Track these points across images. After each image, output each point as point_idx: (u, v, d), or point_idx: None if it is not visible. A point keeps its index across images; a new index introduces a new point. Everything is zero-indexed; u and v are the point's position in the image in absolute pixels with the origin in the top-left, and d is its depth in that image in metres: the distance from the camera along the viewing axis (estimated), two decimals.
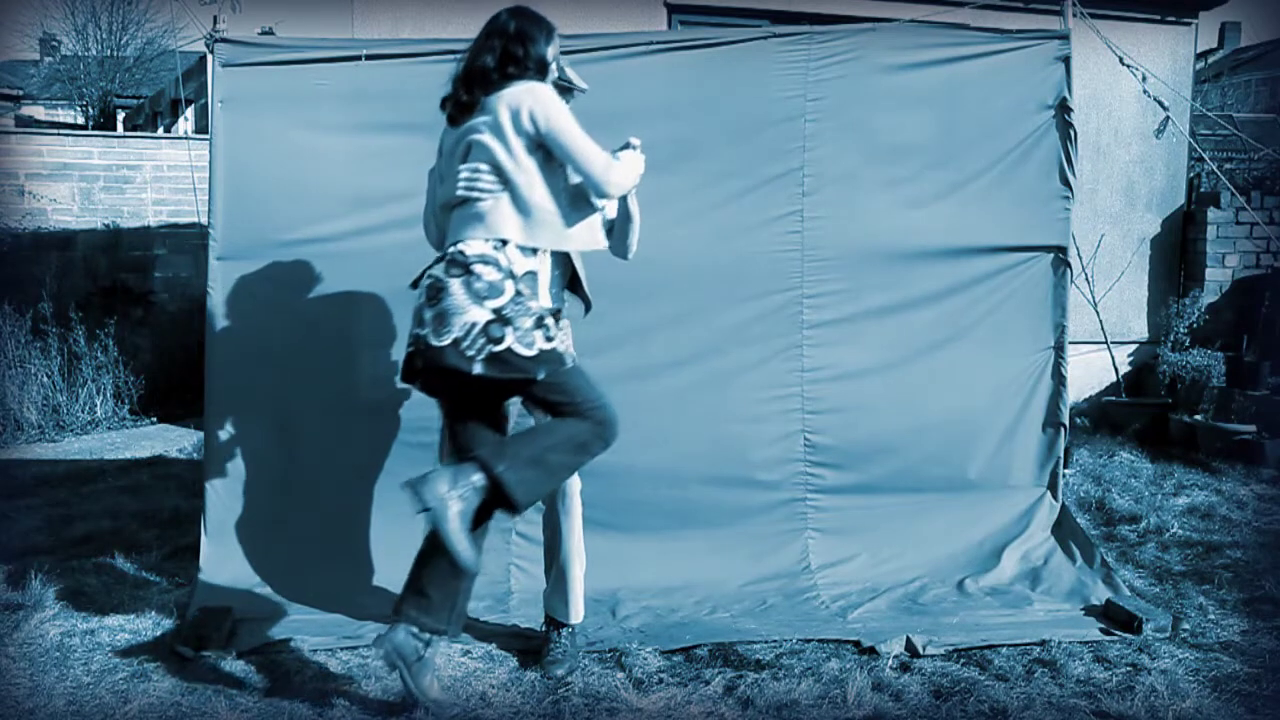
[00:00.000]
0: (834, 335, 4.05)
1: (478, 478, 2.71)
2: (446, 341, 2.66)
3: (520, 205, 2.80)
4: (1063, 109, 4.14)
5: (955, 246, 4.13)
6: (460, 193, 2.82)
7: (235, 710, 2.85)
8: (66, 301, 6.89)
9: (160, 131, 15.20)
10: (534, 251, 2.82)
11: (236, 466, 3.80)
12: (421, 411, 3.69)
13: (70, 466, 5.55)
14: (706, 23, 6.27)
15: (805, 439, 4.04)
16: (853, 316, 4.06)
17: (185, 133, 12.43)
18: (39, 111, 20.21)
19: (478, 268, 2.70)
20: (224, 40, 3.78)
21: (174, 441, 6.18)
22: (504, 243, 2.76)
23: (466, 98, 2.87)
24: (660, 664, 3.19)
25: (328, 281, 3.82)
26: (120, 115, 18.39)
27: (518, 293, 2.71)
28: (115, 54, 18.84)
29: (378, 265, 3.80)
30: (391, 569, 3.69)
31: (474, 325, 2.66)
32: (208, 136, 3.86)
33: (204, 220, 4.27)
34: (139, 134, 11.71)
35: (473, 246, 2.74)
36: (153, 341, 7.23)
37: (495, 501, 2.75)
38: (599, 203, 2.95)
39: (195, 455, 5.66)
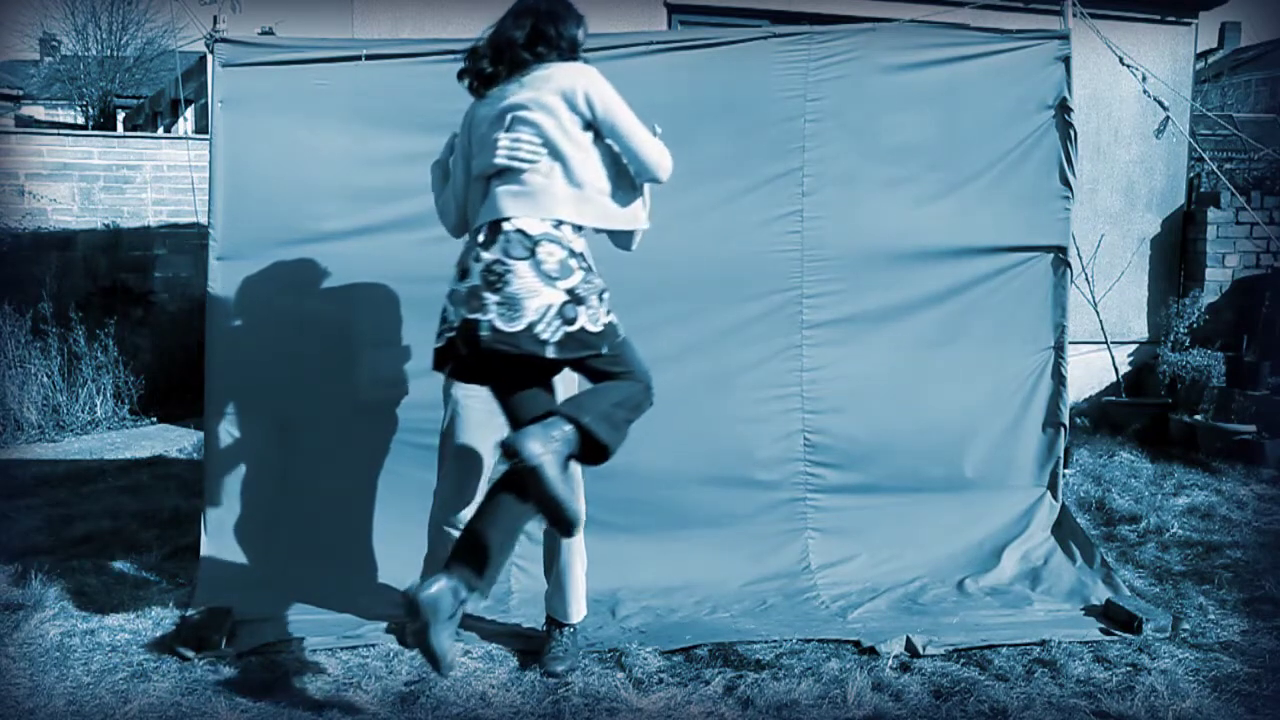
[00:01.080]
0: (834, 335, 4.05)
1: (567, 428, 2.64)
2: (520, 326, 2.58)
3: (573, 182, 2.75)
4: (1063, 109, 4.14)
5: (955, 246, 4.13)
6: (501, 161, 2.73)
7: (235, 710, 2.85)
8: (66, 301, 6.88)
9: (160, 131, 15.20)
10: (580, 229, 2.77)
11: (236, 466, 3.80)
12: (421, 412, 3.70)
13: (70, 466, 5.55)
14: (706, 23, 6.27)
15: (805, 439, 4.04)
16: (852, 316, 4.06)
17: (185, 133, 12.43)
18: (39, 111, 20.21)
19: (544, 248, 2.63)
20: (224, 40, 3.78)
21: (174, 441, 6.18)
22: (560, 223, 2.70)
23: (491, 69, 2.83)
24: (660, 664, 3.19)
25: (328, 281, 3.82)
26: (120, 115, 18.39)
27: (586, 269, 2.68)
28: (115, 54, 18.84)
29: (378, 265, 3.80)
30: (392, 569, 3.70)
31: (549, 307, 2.59)
32: (208, 136, 3.86)
33: (203, 220, 4.27)
34: (139, 134, 11.71)
35: (532, 226, 2.65)
36: (153, 341, 7.23)
37: (583, 454, 2.70)
38: (641, 186, 2.94)
39: (195, 455, 5.66)
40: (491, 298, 2.60)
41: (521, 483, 2.61)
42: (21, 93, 15.67)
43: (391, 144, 3.82)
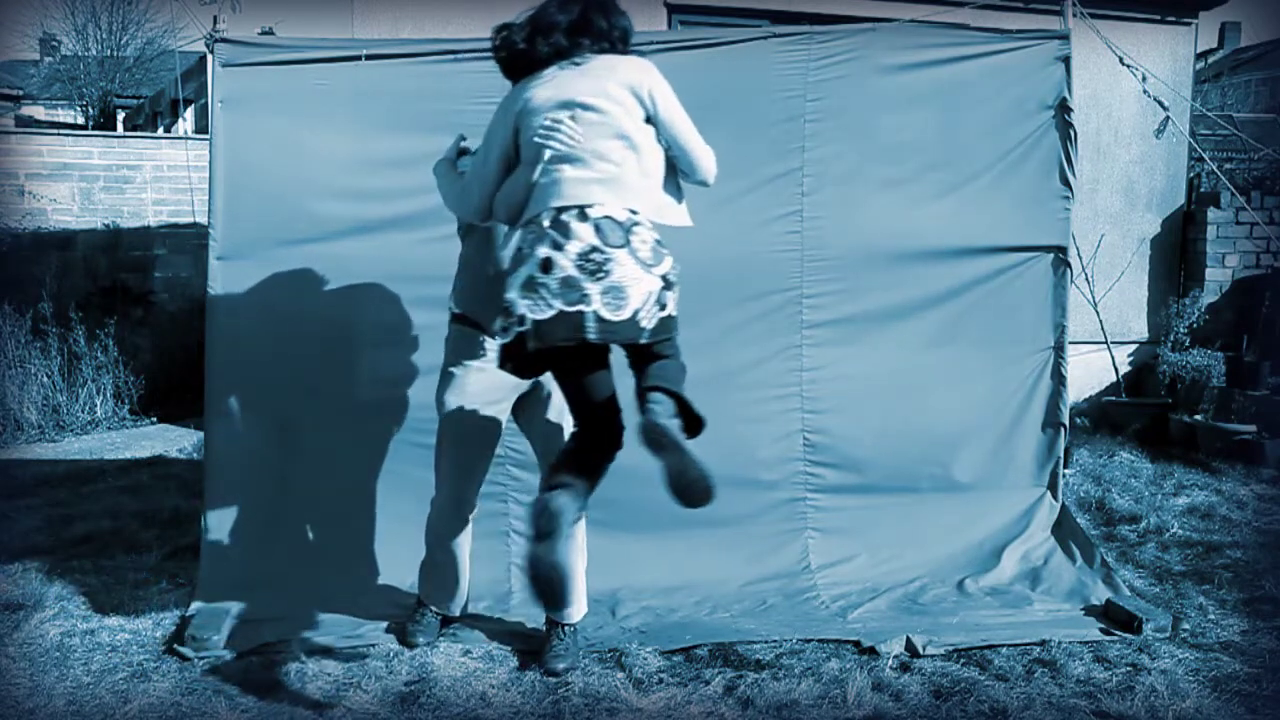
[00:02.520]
0: (834, 335, 4.05)
1: (670, 402, 2.68)
2: (626, 315, 2.55)
3: (644, 173, 2.74)
4: (1063, 109, 4.14)
5: (955, 247, 4.13)
6: (570, 148, 2.67)
7: (235, 710, 2.85)
8: (66, 301, 6.88)
9: (160, 131, 15.20)
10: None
11: (236, 466, 3.79)
12: (422, 412, 3.69)
13: (70, 466, 5.55)
14: (706, 23, 6.27)
15: (805, 439, 4.04)
16: (852, 316, 4.06)
17: (185, 133, 12.42)
18: (39, 111, 20.21)
19: (636, 235, 2.61)
20: (224, 40, 3.78)
21: (174, 441, 6.18)
22: (637, 210, 2.68)
23: (524, 45, 2.78)
24: (660, 664, 3.19)
25: (328, 281, 3.82)
26: (120, 115, 18.39)
27: (669, 254, 2.68)
28: (115, 54, 18.84)
29: (378, 265, 3.80)
30: (391, 568, 3.70)
31: (650, 294, 2.59)
32: (207, 136, 3.86)
33: (202, 220, 4.26)
34: (139, 134, 11.72)
35: (618, 213, 2.62)
36: (153, 341, 7.22)
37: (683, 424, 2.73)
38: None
39: (195, 455, 5.66)
40: (594, 287, 2.54)
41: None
42: (21, 93, 15.66)
43: (391, 144, 3.82)
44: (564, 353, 2.63)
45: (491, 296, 3.14)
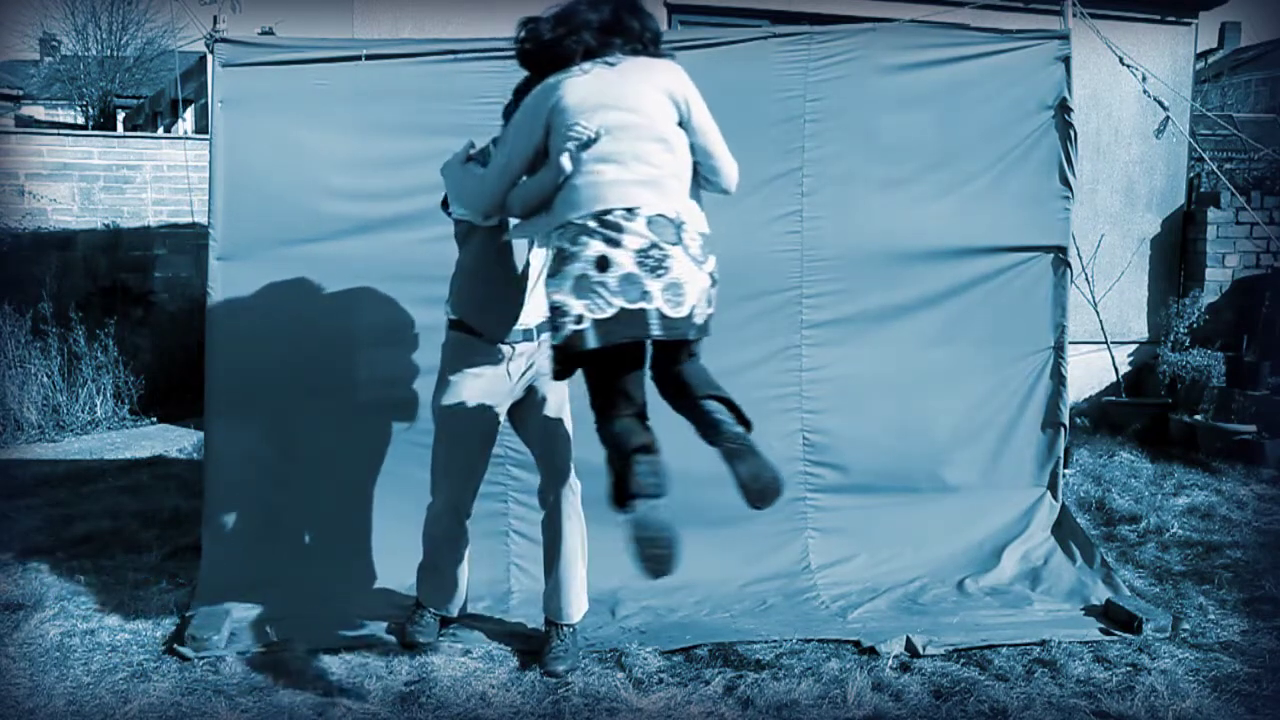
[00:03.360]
0: (833, 335, 4.05)
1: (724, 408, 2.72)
2: (685, 312, 2.57)
3: (679, 177, 2.75)
4: (1063, 109, 4.14)
5: (955, 246, 4.13)
6: (580, 140, 2.66)
7: (235, 710, 2.85)
8: (66, 301, 6.88)
9: (160, 131, 15.20)
10: None
11: (236, 466, 3.79)
12: (422, 411, 3.70)
13: (70, 466, 5.55)
14: (706, 23, 6.27)
15: (805, 439, 4.04)
16: (852, 316, 4.06)
17: (185, 133, 12.42)
18: (39, 111, 20.21)
19: (687, 233, 2.63)
20: (224, 40, 3.78)
21: (174, 441, 6.18)
22: (680, 211, 2.69)
23: (552, 39, 2.75)
24: (660, 664, 3.19)
25: (328, 281, 3.82)
26: (120, 115, 18.39)
27: (712, 255, 2.69)
28: (115, 54, 18.83)
29: (378, 265, 3.80)
30: (391, 568, 3.70)
31: (703, 291, 2.62)
32: (207, 136, 3.85)
33: (201, 220, 4.26)
34: (139, 134, 11.72)
35: (668, 211, 2.63)
36: (153, 341, 7.22)
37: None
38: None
39: (195, 455, 5.66)
40: (655, 284, 2.54)
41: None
42: (21, 93, 15.67)
43: (391, 144, 3.82)
44: (615, 351, 2.62)
45: (489, 303, 3.15)
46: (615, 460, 2.71)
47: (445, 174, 3.12)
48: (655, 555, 2.61)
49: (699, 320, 2.62)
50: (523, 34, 2.83)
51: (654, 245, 2.56)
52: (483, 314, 3.15)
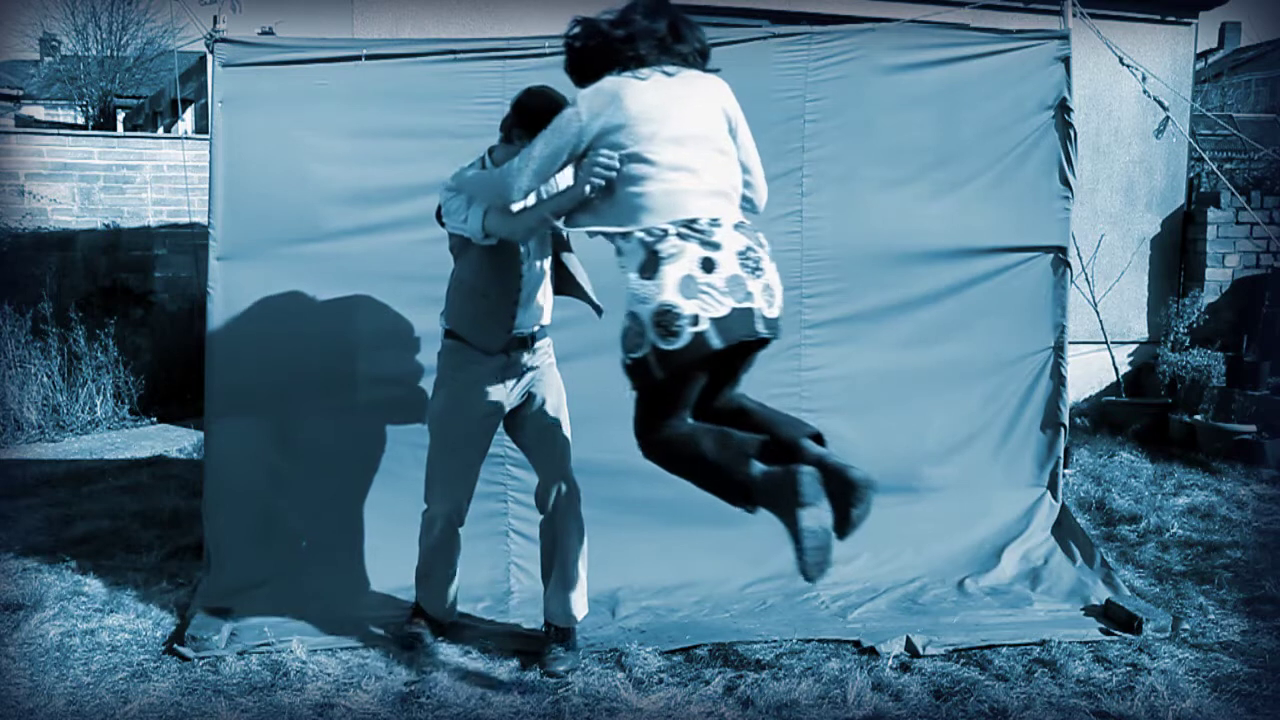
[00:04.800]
0: (833, 335, 4.05)
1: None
2: (778, 312, 2.67)
3: (736, 189, 2.82)
4: (1062, 109, 4.14)
5: (955, 246, 4.13)
6: (650, 150, 2.67)
7: (235, 710, 2.85)
8: (66, 301, 6.88)
9: (160, 131, 15.20)
10: None
11: (236, 466, 3.79)
12: (421, 413, 3.69)
13: (70, 466, 5.55)
14: (706, 23, 6.22)
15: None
16: (852, 316, 4.06)
17: (185, 133, 12.42)
18: (39, 111, 20.20)
19: (762, 237, 2.71)
20: (224, 40, 3.78)
21: (174, 441, 6.18)
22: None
23: (617, 44, 2.74)
24: (660, 664, 3.19)
25: (327, 281, 3.82)
26: (120, 115, 18.38)
27: None
28: (115, 54, 18.82)
29: (378, 265, 3.80)
30: (391, 568, 3.70)
31: (782, 293, 2.71)
32: (207, 136, 3.85)
33: (200, 220, 4.26)
34: (139, 134, 11.71)
35: (743, 220, 2.73)
36: (153, 341, 7.22)
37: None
38: None
39: (195, 455, 5.66)
40: (755, 285, 2.61)
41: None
42: (21, 93, 15.65)
43: (391, 144, 3.82)
44: (716, 357, 2.63)
45: (481, 316, 3.15)
46: (765, 479, 2.66)
47: (459, 178, 3.06)
48: (819, 561, 2.63)
49: (781, 322, 2.71)
50: (580, 31, 2.82)
51: (750, 248, 2.64)
52: (475, 327, 3.16)
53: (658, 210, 2.65)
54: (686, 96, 2.74)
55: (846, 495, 2.66)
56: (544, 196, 3.03)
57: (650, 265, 2.60)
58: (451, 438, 3.18)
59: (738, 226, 2.67)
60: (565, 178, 2.95)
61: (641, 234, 2.63)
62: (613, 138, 2.70)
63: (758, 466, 2.66)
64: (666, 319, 2.55)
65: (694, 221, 2.62)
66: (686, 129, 2.71)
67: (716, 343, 2.57)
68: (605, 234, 2.76)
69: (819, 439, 2.75)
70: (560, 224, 2.94)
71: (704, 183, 2.69)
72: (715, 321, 2.56)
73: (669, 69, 2.76)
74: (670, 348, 2.56)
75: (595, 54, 2.79)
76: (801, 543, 2.62)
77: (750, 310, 2.60)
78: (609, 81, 2.75)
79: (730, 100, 2.84)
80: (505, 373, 3.18)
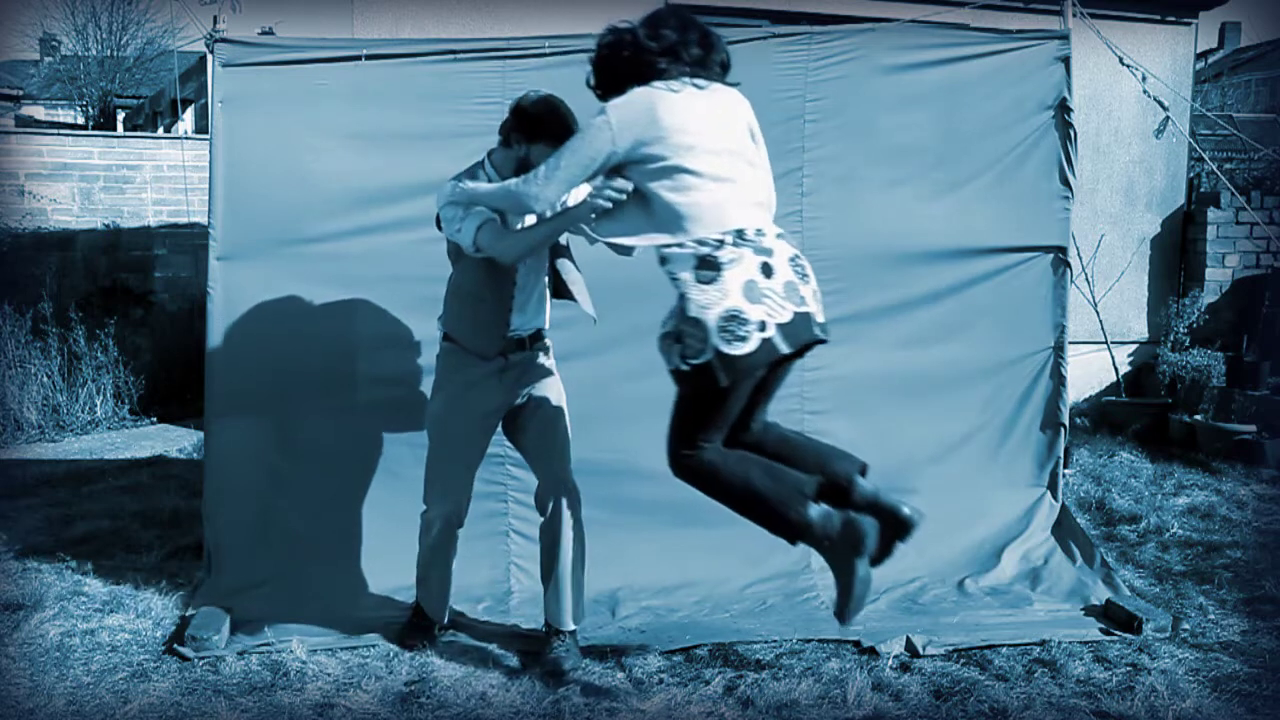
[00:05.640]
0: (833, 335, 4.01)
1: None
2: (823, 318, 2.73)
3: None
4: (1062, 109, 4.14)
5: (955, 247, 4.13)
6: (697, 162, 2.68)
7: (235, 710, 2.85)
8: (66, 301, 6.88)
9: (160, 131, 15.20)
10: None
11: (236, 466, 3.79)
12: (422, 413, 3.69)
13: (70, 466, 5.55)
14: (707, 23, 6.25)
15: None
16: (852, 316, 4.05)
17: (185, 133, 12.42)
18: (39, 111, 20.21)
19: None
20: (224, 40, 3.78)
21: (174, 441, 6.18)
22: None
23: (652, 47, 2.73)
24: (660, 664, 3.19)
25: (328, 281, 3.82)
26: (120, 115, 18.39)
27: None
28: (115, 54, 18.83)
29: (378, 265, 3.80)
30: (391, 568, 3.70)
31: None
32: (207, 136, 3.85)
33: (199, 220, 4.26)
34: (139, 134, 11.71)
35: (778, 230, 2.75)
36: (153, 341, 7.22)
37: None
38: None
39: (195, 455, 5.66)
40: (806, 290, 2.67)
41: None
42: (21, 93, 15.65)
43: (391, 144, 3.82)
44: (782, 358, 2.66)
45: (477, 322, 3.15)
46: (823, 527, 2.72)
47: (478, 194, 2.98)
48: (861, 606, 2.75)
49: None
50: (616, 40, 2.78)
51: (796, 255, 2.70)
52: (471, 331, 3.16)
53: (704, 221, 2.66)
54: (717, 110, 2.75)
55: (895, 531, 2.75)
56: (546, 215, 3.02)
57: (710, 271, 2.61)
58: (449, 440, 3.18)
59: (780, 236, 2.71)
60: (575, 194, 2.94)
61: (694, 244, 2.64)
62: (648, 149, 2.67)
63: (815, 511, 2.69)
64: (733, 324, 2.57)
65: (742, 231, 2.65)
66: (722, 142, 2.72)
67: (784, 347, 2.61)
68: (654, 246, 2.75)
69: (864, 471, 2.80)
70: (591, 232, 2.86)
71: (745, 193, 2.72)
72: (780, 327, 2.59)
73: (699, 82, 2.75)
74: (737, 353, 2.57)
75: (626, 65, 2.76)
76: (852, 590, 2.69)
77: (808, 314, 2.66)
78: (641, 93, 2.72)
79: (751, 114, 2.85)
80: (503, 375, 3.18)
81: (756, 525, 2.81)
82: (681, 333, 2.61)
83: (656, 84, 2.72)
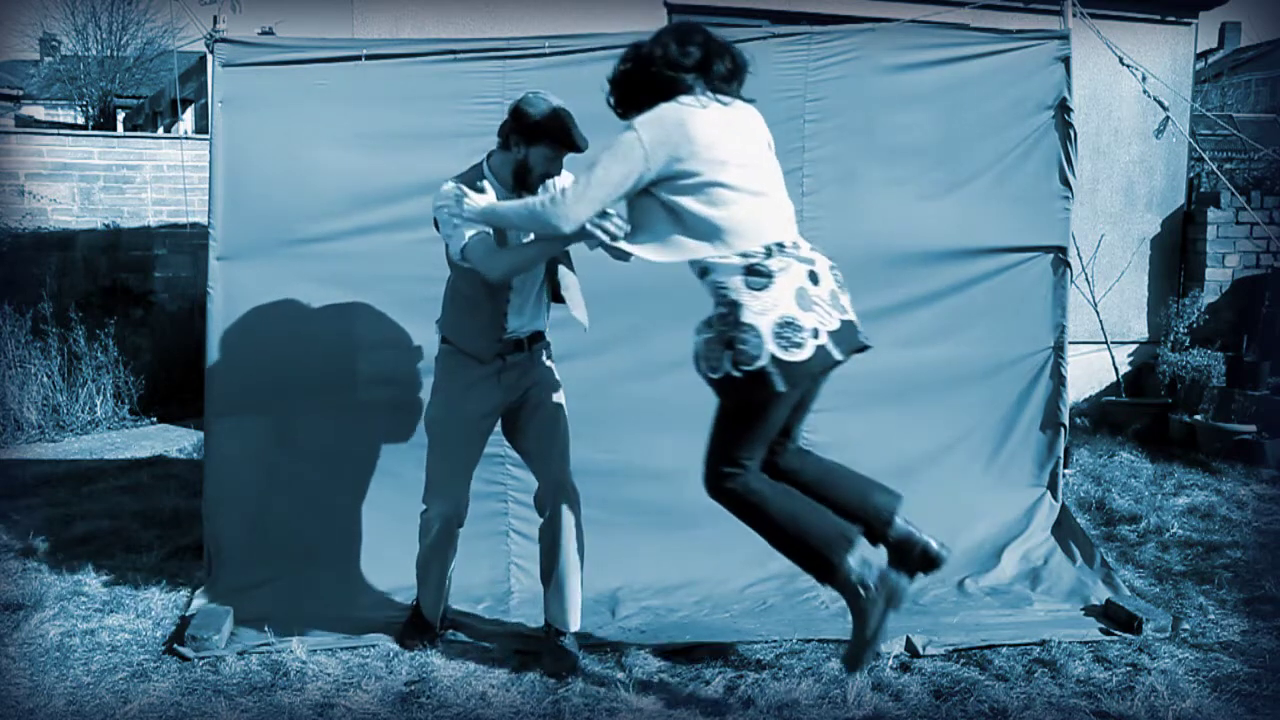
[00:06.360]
0: None
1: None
2: (859, 326, 2.75)
3: None
4: (1062, 109, 4.14)
5: (955, 247, 4.13)
6: (738, 179, 2.69)
7: (235, 710, 2.85)
8: (66, 301, 6.88)
9: (160, 131, 15.20)
10: None
11: (236, 466, 3.79)
12: (422, 412, 3.69)
13: (70, 466, 5.55)
14: (706, 23, 6.24)
15: (805, 438, 4.02)
16: None
17: (185, 133, 12.42)
18: (39, 111, 20.21)
19: None
20: (224, 40, 3.78)
21: (174, 441, 6.18)
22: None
23: (686, 62, 2.72)
24: (660, 664, 3.19)
25: (327, 281, 3.82)
26: (120, 115, 18.39)
27: None
28: (115, 54, 18.84)
29: (378, 265, 3.80)
30: (390, 568, 3.70)
31: None
32: (206, 136, 3.85)
33: (199, 220, 4.26)
34: (139, 134, 11.72)
35: (809, 244, 2.77)
36: (153, 341, 7.22)
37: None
38: None
39: (195, 455, 5.66)
40: (845, 299, 2.72)
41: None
42: (21, 93, 15.65)
43: (391, 144, 3.82)
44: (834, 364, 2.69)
45: (473, 326, 3.14)
46: (860, 581, 2.73)
47: (497, 214, 2.94)
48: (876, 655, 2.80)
49: None
50: (652, 53, 2.75)
51: (833, 265, 2.73)
52: (467, 334, 3.16)
53: (744, 234, 2.66)
54: (742, 126, 2.76)
55: (922, 565, 2.80)
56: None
57: (761, 279, 2.61)
58: (448, 441, 3.18)
59: (812, 248, 2.74)
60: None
61: (739, 256, 2.64)
62: (682, 166, 2.65)
63: (853, 564, 2.70)
64: (788, 330, 2.57)
65: (781, 244, 2.67)
66: (749, 157, 2.73)
67: (838, 354, 2.63)
68: (697, 261, 2.73)
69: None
70: (626, 245, 2.79)
71: (776, 207, 2.74)
72: (831, 334, 2.62)
73: (723, 99, 2.75)
74: (795, 359, 2.57)
75: (653, 80, 2.73)
76: (872, 642, 2.71)
77: (852, 322, 2.69)
78: (669, 109, 2.69)
79: (767, 129, 2.86)
80: (501, 376, 3.18)
81: (780, 551, 2.83)
82: (734, 338, 2.59)
83: (683, 99, 2.70)
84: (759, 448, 2.76)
